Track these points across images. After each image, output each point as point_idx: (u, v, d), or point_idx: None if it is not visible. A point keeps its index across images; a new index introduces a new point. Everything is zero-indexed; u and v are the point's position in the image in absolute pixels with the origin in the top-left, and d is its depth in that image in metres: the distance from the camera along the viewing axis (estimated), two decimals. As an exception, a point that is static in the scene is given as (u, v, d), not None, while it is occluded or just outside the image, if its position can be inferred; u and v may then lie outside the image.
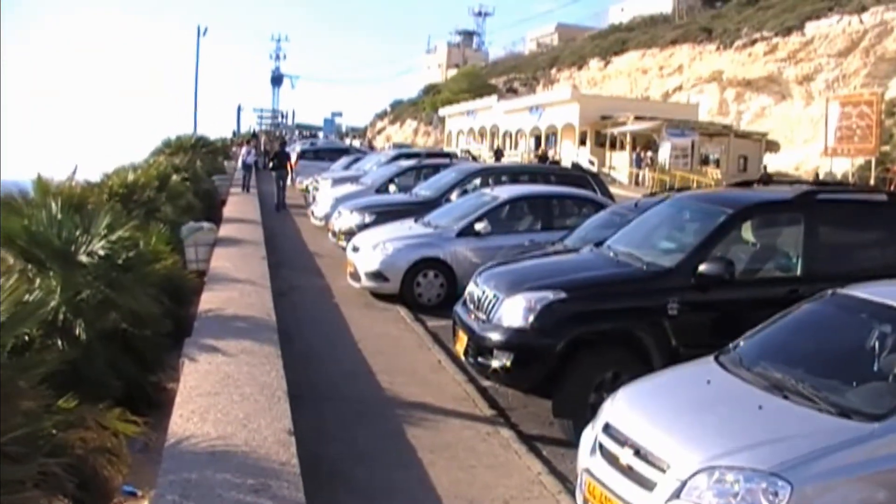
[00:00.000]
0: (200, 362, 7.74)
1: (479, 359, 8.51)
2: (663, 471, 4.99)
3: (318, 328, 12.04)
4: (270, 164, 32.03)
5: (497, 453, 7.57)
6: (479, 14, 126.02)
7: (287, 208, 28.81)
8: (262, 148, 53.05)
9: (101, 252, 8.20)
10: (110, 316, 8.14)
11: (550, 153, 54.81)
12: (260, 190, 33.16)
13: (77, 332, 7.50)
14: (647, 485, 5.05)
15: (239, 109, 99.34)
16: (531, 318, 8.13)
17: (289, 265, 16.92)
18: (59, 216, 8.49)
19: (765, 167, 39.85)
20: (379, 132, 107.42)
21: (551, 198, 15.51)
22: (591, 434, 5.89)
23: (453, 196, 17.84)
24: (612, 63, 74.51)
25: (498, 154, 56.85)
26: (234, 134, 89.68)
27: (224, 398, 6.68)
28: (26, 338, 6.30)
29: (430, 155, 31.64)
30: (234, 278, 12.49)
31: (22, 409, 4.78)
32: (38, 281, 7.41)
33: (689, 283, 8.12)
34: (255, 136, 66.19)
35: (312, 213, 24.52)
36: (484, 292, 8.94)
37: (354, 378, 9.71)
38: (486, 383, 9.37)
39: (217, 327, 9.23)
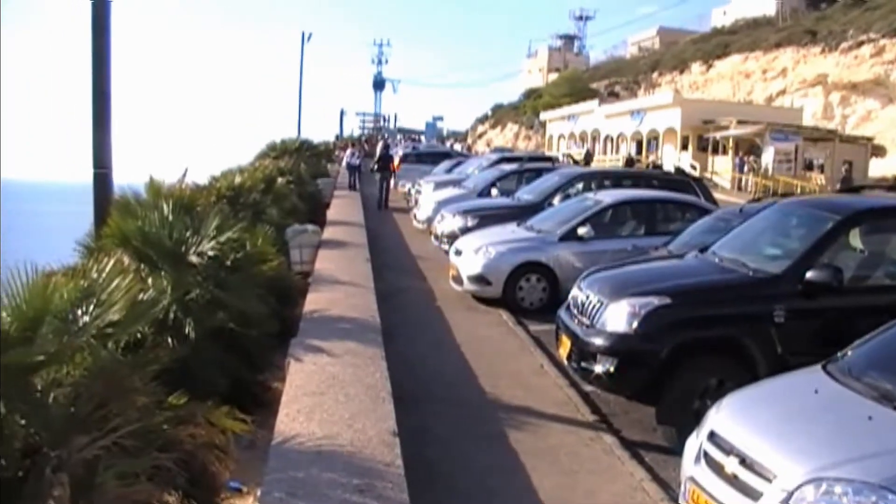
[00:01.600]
0: (306, 362, 7.84)
1: (583, 364, 8.47)
2: (769, 481, 4.87)
3: (420, 330, 12.09)
4: (375, 167, 33.12)
5: (599, 459, 7.51)
6: (580, 18, 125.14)
7: (389, 208, 29.32)
8: (367, 151, 54.22)
9: (211, 253, 8.35)
10: (218, 315, 8.27)
11: (652, 157, 54.19)
12: (363, 193, 33.64)
13: (186, 330, 7.65)
14: (752, 494, 4.94)
15: (342, 113, 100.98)
16: (635, 324, 8.07)
17: (392, 268, 17.04)
18: (171, 217, 8.68)
19: (846, 169, 38.10)
20: (480, 136, 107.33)
21: (655, 202, 15.35)
22: (696, 442, 5.79)
23: (556, 200, 17.81)
24: (715, 67, 73.07)
25: (587, 158, 56.29)
26: (336, 137, 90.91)
27: (329, 398, 6.74)
28: (138, 335, 6.45)
29: (531, 159, 31.60)
30: (339, 280, 12.62)
31: (136, 405, 4.89)
32: (150, 280, 7.58)
33: (796, 291, 7.96)
34: (359, 140, 67.94)
35: (415, 216, 24.73)
36: (588, 297, 8.88)
37: (456, 381, 9.73)
38: (588, 388, 9.29)
39: (322, 328, 9.34)
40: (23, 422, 4.50)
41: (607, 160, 60.85)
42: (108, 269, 5.42)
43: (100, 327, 4.97)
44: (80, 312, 5.01)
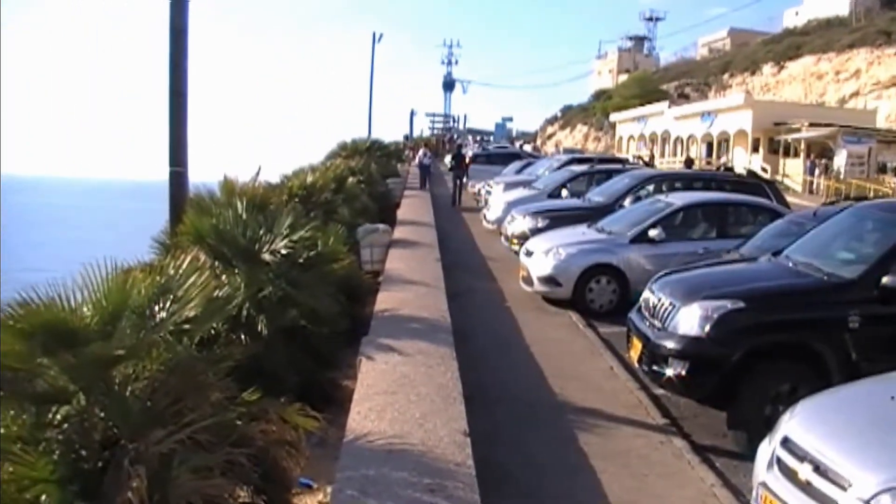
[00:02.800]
0: (377, 361, 7.88)
1: (654, 366, 8.40)
2: (844, 489, 4.77)
3: (490, 331, 12.08)
4: (449, 166, 36.02)
5: (669, 463, 7.44)
6: (650, 19, 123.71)
7: (460, 208, 29.62)
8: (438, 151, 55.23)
9: (284, 251, 8.43)
10: (290, 313, 8.35)
11: (723, 159, 53.48)
12: (433, 193, 33.76)
13: (259, 327, 7.75)
14: (826, 502, 4.84)
15: (412, 114, 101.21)
16: (708, 327, 7.98)
17: (462, 268, 17.05)
18: (245, 216, 8.79)
19: None
20: (549, 137, 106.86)
21: (726, 205, 15.19)
22: (769, 448, 5.69)
23: (627, 202, 17.65)
24: (786, 68, 71.76)
25: (650, 160, 55.70)
26: (405, 138, 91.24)
27: (401, 397, 6.76)
28: (212, 332, 6.55)
29: (602, 160, 31.41)
30: (409, 279, 12.67)
31: (210, 401, 4.96)
32: (224, 277, 7.68)
33: (872, 296, 7.81)
34: (431, 140, 69.09)
35: (485, 216, 24.75)
36: (660, 300, 8.80)
37: (526, 382, 9.71)
38: (658, 391, 9.21)
39: (393, 327, 9.38)
40: (102, 414, 4.60)
41: (664, 163, 60.23)
42: (184, 266, 5.50)
43: (176, 323, 5.05)
44: (157, 308, 5.10)
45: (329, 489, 6.66)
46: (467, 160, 37.74)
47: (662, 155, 67.40)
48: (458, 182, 34.08)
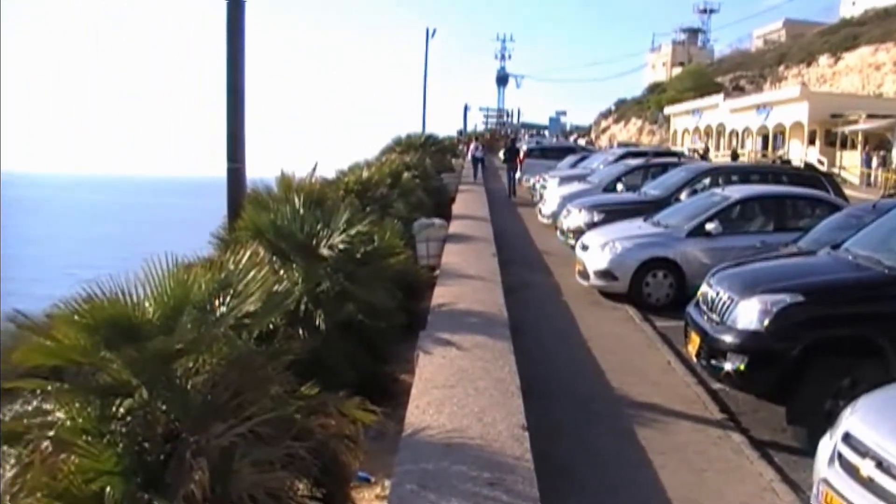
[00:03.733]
0: (435, 355, 7.88)
1: (712, 361, 8.34)
2: None
3: (547, 325, 12.07)
4: (503, 158, 37.88)
5: (728, 458, 7.36)
6: (704, 11, 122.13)
7: (515, 202, 30.16)
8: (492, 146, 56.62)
9: (341, 246, 8.48)
10: (347, 307, 8.40)
11: (780, 152, 52.88)
12: (487, 188, 33.83)
13: (317, 322, 7.79)
14: (890, 499, 4.76)
15: (465, 109, 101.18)
16: (767, 321, 7.89)
17: (517, 262, 17.04)
18: (302, 211, 8.85)
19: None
20: (603, 131, 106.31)
21: (784, 198, 14.98)
22: (830, 443, 5.61)
23: (683, 195, 17.52)
24: (843, 59, 70.32)
25: (704, 153, 55.09)
26: (459, 133, 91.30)
27: (459, 391, 6.76)
28: (270, 326, 6.60)
29: (657, 154, 31.20)
30: (465, 274, 12.67)
31: (270, 395, 5.00)
32: (281, 272, 7.75)
33: None
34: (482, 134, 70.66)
35: (540, 210, 24.75)
36: (718, 294, 8.72)
37: (583, 376, 9.68)
38: (716, 386, 9.15)
39: (450, 321, 9.38)
40: (164, 407, 4.65)
41: (719, 156, 59.52)
42: (244, 261, 5.55)
43: (237, 318, 5.10)
44: (217, 303, 5.15)
45: (387, 483, 6.68)
46: (521, 154, 38.51)
47: (717, 148, 66.65)
48: (511, 175, 35.61)
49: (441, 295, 10.90)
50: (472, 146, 46.01)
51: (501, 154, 40.25)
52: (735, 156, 47.14)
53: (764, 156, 52.79)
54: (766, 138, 61.05)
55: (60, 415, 4.74)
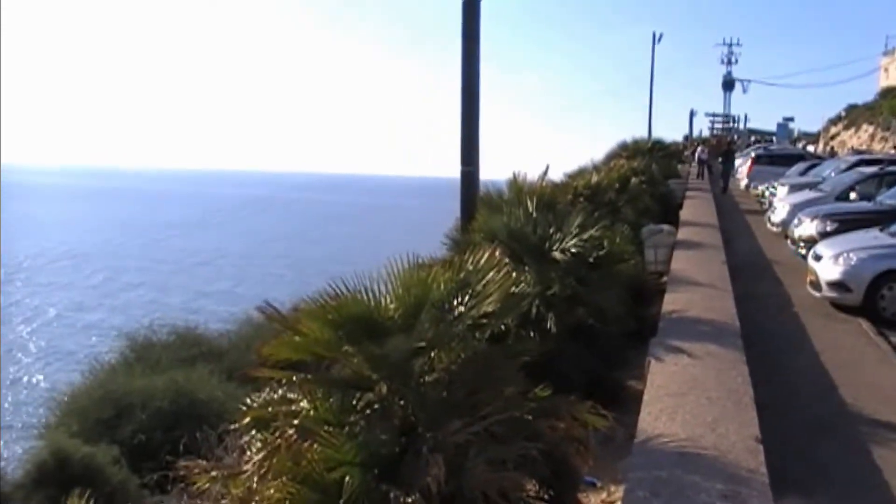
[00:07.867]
0: (667, 363, 7.75)
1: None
2: None
3: (777, 336, 11.73)
4: (720, 160, 42.27)
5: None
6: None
7: (731, 196, 32.44)
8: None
9: (573, 250, 8.50)
10: (578, 311, 8.40)
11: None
12: (714, 194, 33.29)
13: (548, 324, 7.83)
14: None
15: (692, 114, 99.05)
16: None
17: (746, 271, 16.54)
18: (535, 214, 8.92)
19: None
20: (832, 138, 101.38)
21: None
22: None
23: (923, 205, 16.57)
24: None
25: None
26: (685, 138, 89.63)
27: (691, 400, 6.62)
28: (502, 327, 6.67)
29: (893, 162, 29.60)
30: (695, 281, 12.42)
31: (504, 395, 5.06)
32: (514, 275, 7.83)
33: None
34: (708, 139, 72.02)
35: (769, 218, 24.09)
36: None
37: (815, 390, 9.35)
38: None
39: (681, 329, 9.20)
40: (401, 403, 4.80)
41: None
42: (482, 262, 5.63)
43: (474, 318, 5.18)
44: (455, 302, 5.25)
45: (613, 488, 6.65)
46: (749, 163, 41.99)
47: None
48: (725, 175, 40.10)
49: (671, 301, 10.71)
50: (698, 149, 49.37)
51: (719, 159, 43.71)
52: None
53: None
54: None
55: (304, 404, 4.97)
